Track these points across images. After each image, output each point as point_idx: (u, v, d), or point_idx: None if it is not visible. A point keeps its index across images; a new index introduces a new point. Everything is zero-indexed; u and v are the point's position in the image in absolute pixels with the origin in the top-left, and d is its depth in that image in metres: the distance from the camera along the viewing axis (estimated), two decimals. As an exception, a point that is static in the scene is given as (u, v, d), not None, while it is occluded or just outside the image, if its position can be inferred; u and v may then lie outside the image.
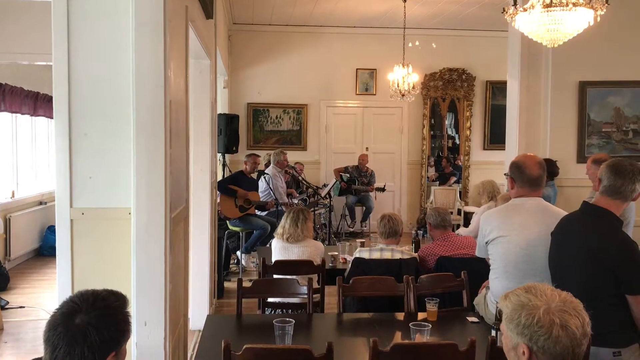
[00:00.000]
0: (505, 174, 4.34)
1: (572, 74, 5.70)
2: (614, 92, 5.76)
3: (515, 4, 3.99)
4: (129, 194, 2.76)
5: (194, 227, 4.83)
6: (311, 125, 9.79)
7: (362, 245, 4.54)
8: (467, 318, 3.23)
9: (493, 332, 2.70)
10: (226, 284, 6.44)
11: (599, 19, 3.86)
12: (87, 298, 1.63)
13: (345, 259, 4.59)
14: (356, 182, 9.16)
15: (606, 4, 3.84)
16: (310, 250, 4.09)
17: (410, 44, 8.51)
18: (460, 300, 3.61)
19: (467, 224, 8.16)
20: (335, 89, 9.76)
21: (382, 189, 8.93)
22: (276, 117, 9.74)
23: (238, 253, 7.12)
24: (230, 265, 7.18)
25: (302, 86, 9.63)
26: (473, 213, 7.27)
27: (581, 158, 5.68)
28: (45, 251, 8.11)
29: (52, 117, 3.21)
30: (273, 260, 4.14)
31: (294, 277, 3.67)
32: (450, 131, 10.36)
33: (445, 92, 9.96)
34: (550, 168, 5.14)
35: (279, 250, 4.14)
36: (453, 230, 4.70)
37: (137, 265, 2.72)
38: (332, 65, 9.64)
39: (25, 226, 7.82)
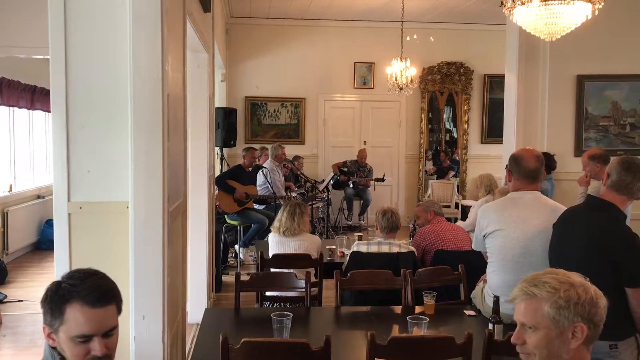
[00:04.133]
0: (506, 167, 4.34)
1: (570, 67, 5.70)
2: (612, 85, 5.76)
3: (513, -2, 3.98)
4: (126, 188, 2.76)
5: (191, 221, 4.83)
6: (309, 119, 9.78)
7: (360, 238, 4.55)
8: (464, 311, 3.24)
9: (490, 325, 2.71)
10: (224, 278, 6.44)
11: (596, 12, 3.86)
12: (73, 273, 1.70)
13: (343, 252, 4.60)
14: (355, 175, 9.16)
15: (604, -2, 3.83)
16: (307, 243, 4.09)
17: (408, 38, 8.49)
18: (457, 293, 3.62)
19: (464, 217, 8.18)
20: (333, 83, 9.75)
21: (382, 179, 8.93)
22: (274, 111, 9.72)
23: (236, 247, 7.13)
24: (228, 259, 7.18)
25: (300, 80, 9.61)
26: (470, 207, 7.28)
27: (578, 152, 5.68)
28: (43, 245, 8.10)
29: (49, 111, 3.20)
30: (270, 254, 4.15)
31: (291, 270, 3.67)
32: (448, 125, 10.36)
33: (443, 86, 9.95)
34: (548, 162, 5.14)
35: (275, 244, 4.14)
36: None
37: (135, 259, 2.72)
38: (330, 59, 9.62)
39: (23, 220, 7.82)
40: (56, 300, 1.62)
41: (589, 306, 1.52)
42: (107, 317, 1.64)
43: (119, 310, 1.70)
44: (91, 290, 1.62)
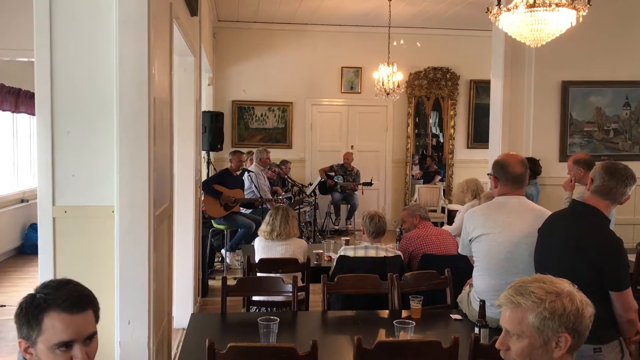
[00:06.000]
0: (488, 174, 4.36)
1: (555, 73, 5.76)
2: (595, 91, 5.83)
3: (499, 4, 4.02)
4: (112, 192, 2.75)
5: (178, 225, 4.81)
6: (296, 123, 9.78)
7: (347, 243, 4.55)
8: (451, 315, 3.25)
9: (476, 330, 2.73)
10: (210, 282, 6.41)
11: (581, 19, 3.91)
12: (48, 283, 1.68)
13: (330, 256, 4.60)
14: (342, 179, 9.18)
15: (588, 5, 3.88)
16: (293, 248, 4.08)
17: (395, 43, 8.53)
18: (443, 297, 3.63)
19: (450, 221, 8.22)
20: (320, 87, 9.76)
21: (370, 183, 8.96)
22: (261, 115, 9.71)
23: (222, 251, 7.10)
24: (215, 264, 7.15)
25: (287, 84, 9.61)
26: (457, 211, 7.31)
27: (563, 157, 5.74)
28: (27, 249, 8.01)
29: (34, 114, 3.17)
30: (256, 258, 4.13)
31: (278, 275, 3.66)
32: (435, 130, 10.41)
33: (430, 91, 10.01)
34: (533, 167, 5.19)
35: (262, 248, 4.13)
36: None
37: (120, 264, 2.70)
38: (318, 64, 9.64)
39: (6, 224, 7.73)
40: (32, 310, 1.60)
41: (574, 317, 1.53)
42: (85, 323, 1.62)
43: (97, 317, 1.68)
44: (67, 296, 1.61)
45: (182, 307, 4.83)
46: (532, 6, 3.83)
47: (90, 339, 1.63)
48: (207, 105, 8.64)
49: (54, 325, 1.58)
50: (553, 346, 1.53)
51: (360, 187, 9.16)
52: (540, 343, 1.54)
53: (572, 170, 4.85)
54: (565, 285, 1.58)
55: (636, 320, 2.59)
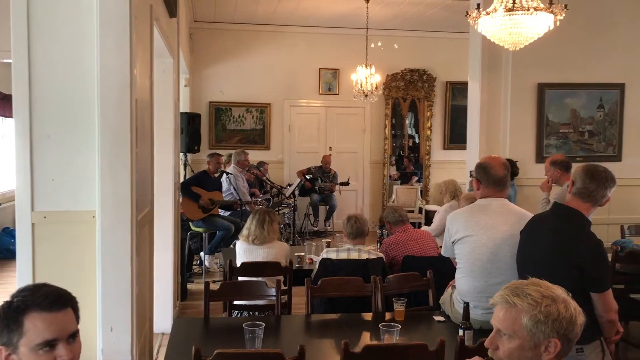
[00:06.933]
0: (470, 175, 4.39)
1: (531, 75, 5.84)
2: (571, 93, 5.92)
3: (478, 8, 4.06)
4: (93, 196, 2.70)
5: (157, 228, 4.73)
6: (274, 124, 9.75)
7: (329, 245, 4.55)
8: (434, 317, 3.27)
9: (461, 332, 2.74)
10: (189, 286, 6.36)
11: (558, 23, 3.98)
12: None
13: (311, 259, 4.59)
14: (320, 180, 9.18)
15: (565, 9, 3.95)
16: (275, 251, 4.06)
17: (372, 45, 8.56)
18: (425, 299, 3.65)
19: (428, 222, 8.28)
20: (298, 89, 9.74)
21: (347, 183, 8.99)
22: (239, 116, 9.66)
23: (201, 254, 7.04)
24: (193, 267, 7.09)
25: (265, 85, 9.58)
26: (434, 212, 7.37)
27: (540, 158, 5.82)
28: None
29: (9, 116, 3.10)
30: (238, 262, 4.11)
31: (261, 279, 3.64)
32: (411, 131, 10.47)
33: (407, 93, 10.07)
34: (511, 168, 5.25)
35: (243, 252, 4.10)
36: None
37: (102, 270, 2.66)
38: (295, 65, 9.62)
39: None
40: (11, 314, 1.58)
41: (567, 323, 1.55)
42: (66, 321, 1.62)
43: (77, 316, 1.68)
44: (46, 296, 1.60)
45: (162, 312, 4.77)
46: (510, 10, 3.89)
47: (73, 337, 1.62)
48: (183, 107, 8.55)
49: (36, 325, 1.57)
50: (542, 350, 1.55)
51: (337, 187, 9.19)
52: (530, 346, 1.55)
53: (550, 171, 4.93)
54: (560, 291, 1.60)
55: (616, 320, 2.63)
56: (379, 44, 8.97)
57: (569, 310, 1.56)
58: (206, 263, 6.93)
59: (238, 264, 4.03)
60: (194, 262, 7.18)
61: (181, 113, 6.99)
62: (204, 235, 6.90)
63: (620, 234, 5.31)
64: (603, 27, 5.91)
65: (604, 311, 2.55)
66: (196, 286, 6.46)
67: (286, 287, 3.93)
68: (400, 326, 2.68)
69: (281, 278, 3.80)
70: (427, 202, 9.91)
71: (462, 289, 3.10)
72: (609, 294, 2.56)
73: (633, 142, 6.07)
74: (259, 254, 4.04)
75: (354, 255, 3.86)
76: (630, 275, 4.46)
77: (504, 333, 1.59)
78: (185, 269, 6.23)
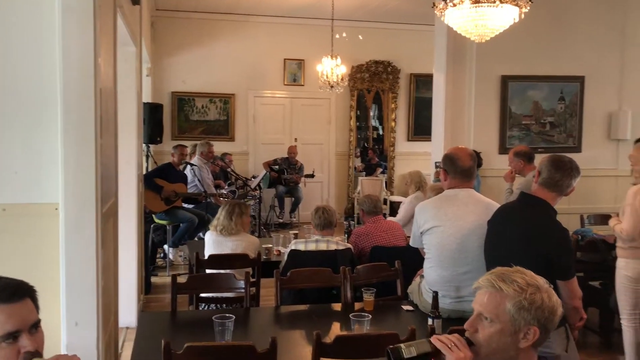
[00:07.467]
0: (436, 166, 4.42)
1: (495, 68, 5.93)
2: (533, 86, 6.04)
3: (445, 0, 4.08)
4: (56, 189, 2.61)
5: (120, 221, 4.63)
6: (239, 115, 9.64)
7: (296, 236, 4.54)
8: (402, 306, 3.30)
9: (430, 320, 2.77)
10: (153, 279, 6.25)
11: (523, 15, 4.03)
12: None
13: (279, 251, 4.57)
14: (285, 172, 9.15)
15: (530, 2, 4.01)
16: (244, 244, 4.02)
17: (337, 36, 8.54)
18: (393, 289, 3.67)
19: (392, 213, 8.34)
20: (263, 79, 9.66)
21: (312, 175, 8.98)
22: (202, 107, 9.52)
23: (165, 247, 6.93)
24: (157, 260, 6.97)
25: (229, 75, 9.45)
26: (399, 203, 7.43)
27: (503, 149, 5.93)
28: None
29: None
30: (206, 253, 4.06)
31: (229, 271, 3.60)
32: (375, 123, 10.52)
33: (372, 84, 10.10)
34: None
35: (212, 243, 4.05)
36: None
37: (67, 264, 2.58)
38: (260, 55, 9.52)
39: None
40: None
41: (548, 313, 1.57)
42: (27, 311, 1.59)
43: (37, 306, 1.64)
44: (3, 288, 1.57)
45: (126, 306, 4.66)
46: (477, 2, 3.92)
47: (35, 327, 1.59)
48: (145, 97, 8.33)
49: None
50: (521, 337, 1.57)
51: (302, 179, 9.17)
52: (510, 331, 1.57)
53: (513, 162, 5.02)
54: (542, 281, 1.62)
55: (580, 307, 2.71)
56: (344, 34, 8.96)
57: (551, 300, 1.59)
58: (170, 256, 6.84)
59: (206, 255, 3.98)
60: (158, 255, 7.07)
61: (143, 103, 6.85)
62: (167, 227, 6.79)
63: (580, 224, 5.46)
64: (564, 21, 6.04)
65: (569, 298, 2.61)
66: (160, 279, 6.36)
67: (254, 279, 3.89)
68: (370, 316, 2.69)
69: (250, 270, 3.76)
70: (392, 194, 9.98)
71: (431, 279, 3.13)
72: (574, 282, 2.62)
73: (592, 133, 6.24)
74: (228, 246, 4.00)
75: (323, 246, 3.86)
76: (590, 264, 4.60)
77: (485, 317, 1.60)
78: (148, 262, 6.12)
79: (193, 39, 9.31)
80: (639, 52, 6.18)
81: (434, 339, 1.61)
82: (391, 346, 1.61)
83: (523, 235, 2.68)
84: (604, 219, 5.21)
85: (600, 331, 4.66)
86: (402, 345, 1.61)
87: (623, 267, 3.75)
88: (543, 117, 6.07)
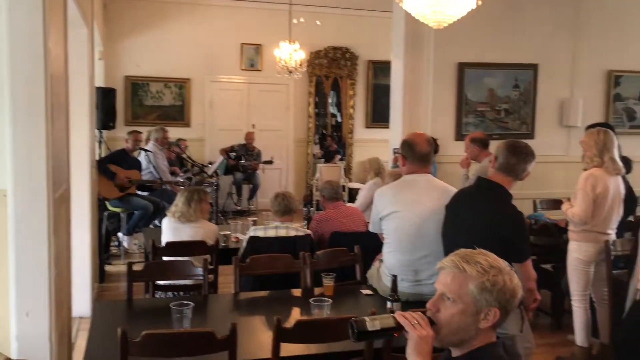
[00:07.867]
0: (394, 152, 4.43)
1: (452, 55, 5.98)
2: (488, 73, 6.13)
3: (404, -15, 4.09)
4: (3, 175, 2.51)
5: (73, 208, 4.51)
6: (194, 100, 9.48)
7: (255, 223, 4.50)
8: (361, 291, 3.32)
9: (389, 304, 2.80)
10: (107, 268, 6.12)
11: (480, 2, 4.07)
12: None
13: (237, 238, 4.53)
14: (243, 159, 9.06)
15: (487, -11, 4.05)
16: (203, 231, 3.96)
17: (295, 21, 8.47)
18: (352, 274, 3.69)
19: (351, 200, 8.38)
20: (219, 64, 9.50)
21: (270, 162, 8.93)
22: (157, 92, 9.32)
23: (119, 235, 6.78)
24: (111, 248, 6.82)
25: (184, 60, 9.25)
26: (357, 189, 7.46)
27: (459, 136, 6.01)
28: None
29: None
30: (163, 240, 3.98)
31: (187, 258, 3.55)
32: (333, 109, 10.51)
33: (330, 70, 10.07)
34: (432, 145, 5.40)
35: (170, 229, 3.98)
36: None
37: (16, 252, 2.49)
38: (216, 39, 9.35)
39: None
40: None
41: (509, 295, 1.60)
42: None
43: None
44: None
45: (80, 295, 4.54)
46: (435, -12, 3.94)
47: None
48: (98, 81, 8.10)
49: None
50: (481, 317, 1.59)
51: (261, 166, 9.10)
52: (472, 312, 1.59)
53: (469, 149, 5.10)
54: (504, 264, 1.64)
55: (535, 288, 2.78)
56: (302, 19, 8.88)
57: (512, 282, 1.61)
58: (125, 244, 6.70)
59: (163, 242, 3.91)
60: (112, 243, 6.91)
61: (95, 88, 6.65)
62: (121, 215, 6.64)
63: (532, 208, 5.59)
64: (519, 9, 6.13)
65: (524, 280, 2.67)
66: (114, 268, 6.23)
67: (213, 267, 3.85)
68: (331, 301, 2.70)
69: (208, 257, 3.72)
70: (350, 180, 10.03)
71: (390, 263, 3.16)
72: (529, 264, 2.69)
73: (545, 120, 6.39)
74: (186, 233, 3.93)
75: (282, 233, 3.84)
76: (542, 247, 4.72)
77: (448, 297, 1.62)
78: (102, 250, 5.98)
79: (148, 22, 9.07)
80: (591, 41, 6.35)
81: (398, 315, 1.62)
82: (355, 318, 1.62)
83: (480, 218, 2.73)
84: (555, 203, 5.35)
85: (552, 313, 4.81)
86: (366, 318, 1.62)
87: (575, 250, 3.87)
88: (498, 104, 6.17)
